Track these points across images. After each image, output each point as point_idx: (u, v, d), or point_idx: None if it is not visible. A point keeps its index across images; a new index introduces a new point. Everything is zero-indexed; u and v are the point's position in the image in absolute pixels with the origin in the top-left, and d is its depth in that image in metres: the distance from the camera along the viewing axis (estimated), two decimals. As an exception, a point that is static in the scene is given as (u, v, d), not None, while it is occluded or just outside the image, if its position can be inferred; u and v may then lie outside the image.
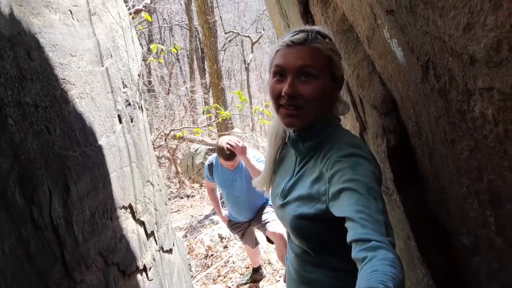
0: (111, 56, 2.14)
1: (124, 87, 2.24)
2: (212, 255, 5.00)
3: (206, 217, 6.65)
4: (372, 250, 0.78)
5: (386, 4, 0.97)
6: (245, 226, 3.78)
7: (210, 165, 3.69)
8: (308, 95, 1.03)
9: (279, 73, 1.07)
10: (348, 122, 1.79)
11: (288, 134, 1.17)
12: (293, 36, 1.06)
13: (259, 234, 4.11)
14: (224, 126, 8.24)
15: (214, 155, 3.65)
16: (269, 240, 3.55)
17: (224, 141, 3.28)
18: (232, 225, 3.83)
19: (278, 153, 1.29)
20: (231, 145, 3.14)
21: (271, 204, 3.27)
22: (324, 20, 1.49)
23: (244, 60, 21.76)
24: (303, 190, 1.08)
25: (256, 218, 3.65)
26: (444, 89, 0.84)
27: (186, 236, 5.72)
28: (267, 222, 3.43)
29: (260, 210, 3.63)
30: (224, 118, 6.70)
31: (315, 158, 1.10)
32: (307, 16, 1.74)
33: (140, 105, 2.59)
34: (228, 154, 3.21)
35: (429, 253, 1.28)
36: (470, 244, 1.02)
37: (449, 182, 1.01)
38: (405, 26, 0.92)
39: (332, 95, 1.10)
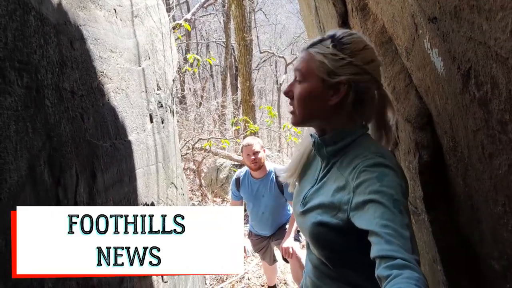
0: (149, 58, 2.20)
1: (158, 89, 2.29)
2: (228, 269, 4.94)
3: (225, 231, 6.61)
4: (398, 268, 0.75)
5: (429, 12, 0.96)
6: (265, 241, 3.71)
7: (237, 180, 3.55)
8: (295, 95, 1.11)
9: None
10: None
11: (314, 140, 1.16)
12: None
13: (278, 253, 4.03)
14: (251, 142, 8.25)
15: (243, 169, 3.61)
16: (285, 259, 3.47)
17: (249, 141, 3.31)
18: (255, 238, 3.74)
19: (308, 153, 1.27)
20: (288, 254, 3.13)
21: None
22: (362, 32, 1.48)
23: (277, 81, 21.97)
24: (325, 198, 1.06)
25: (275, 235, 3.59)
26: (485, 98, 0.80)
27: (203, 248, 5.68)
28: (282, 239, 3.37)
29: (281, 227, 3.58)
30: (252, 131, 6.72)
31: (337, 166, 1.08)
32: (345, 28, 1.74)
33: (171, 109, 2.63)
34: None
35: (455, 278, 1.21)
36: (501, 269, 0.96)
37: (484, 200, 0.96)
38: (448, 34, 0.90)
39: (325, 99, 1.07)
